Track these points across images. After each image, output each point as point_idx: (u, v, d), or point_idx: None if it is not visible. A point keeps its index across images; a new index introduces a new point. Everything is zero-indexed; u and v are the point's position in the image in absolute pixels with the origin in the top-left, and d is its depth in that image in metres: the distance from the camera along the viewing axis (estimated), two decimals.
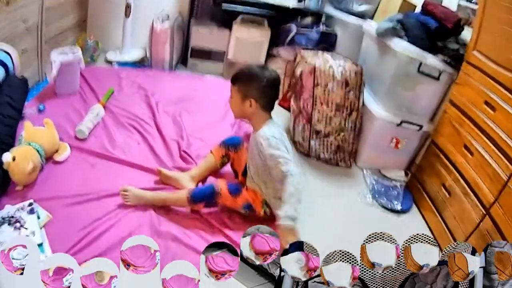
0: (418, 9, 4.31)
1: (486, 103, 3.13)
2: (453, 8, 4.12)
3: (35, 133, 3.13)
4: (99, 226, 2.61)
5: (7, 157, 2.74)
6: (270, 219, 2.92)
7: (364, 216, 3.64)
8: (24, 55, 4.59)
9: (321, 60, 4.14)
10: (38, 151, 2.95)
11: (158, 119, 3.96)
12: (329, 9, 5.71)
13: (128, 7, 5.93)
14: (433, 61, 3.71)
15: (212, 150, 3.37)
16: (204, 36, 5.21)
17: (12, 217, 2.56)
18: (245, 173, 3.17)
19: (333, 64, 4.05)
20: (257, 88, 2.82)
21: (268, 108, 2.92)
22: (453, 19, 3.73)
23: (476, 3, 3.83)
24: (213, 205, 2.95)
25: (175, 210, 2.90)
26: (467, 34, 3.75)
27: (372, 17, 4.95)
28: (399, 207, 3.74)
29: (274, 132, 2.80)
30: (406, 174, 4.20)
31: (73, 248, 2.42)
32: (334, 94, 4.00)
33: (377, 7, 4.94)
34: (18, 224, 2.51)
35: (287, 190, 2.61)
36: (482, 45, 3.35)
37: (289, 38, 5.39)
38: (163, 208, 2.88)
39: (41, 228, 2.55)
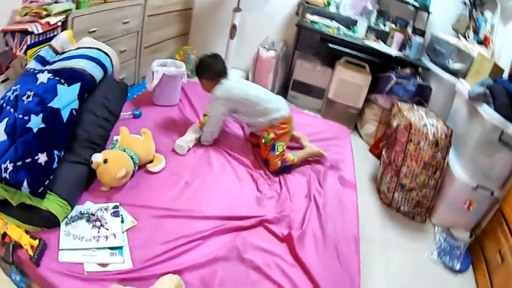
0: (506, 73, 4.33)
1: None
2: None
3: (132, 141, 3.16)
4: (184, 244, 2.58)
5: (98, 157, 2.79)
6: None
7: (425, 270, 3.83)
8: (122, 56, 4.75)
9: (417, 116, 4.27)
10: (132, 158, 2.97)
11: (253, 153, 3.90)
12: (426, 62, 5.77)
13: (233, 27, 6.00)
14: None
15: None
16: (307, 71, 5.25)
17: (93, 214, 2.60)
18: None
19: (427, 123, 4.18)
20: (201, 72, 3.80)
21: (214, 78, 3.77)
22: None
23: None
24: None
25: (263, 240, 2.86)
26: None
27: (464, 76, 4.94)
28: (458, 267, 3.85)
29: (218, 92, 3.71)
30: (471, 235, 4.23)
31: (153, 259, 2.42)
32: (424, 152, 4.13)
33: (470, 67, 4.90)
34: (98, 223, 2.54)
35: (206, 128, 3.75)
36: None
37: (388, 87, 5.43)
38: (253, 237, 2.86)
39: (123, 232, 2.55)
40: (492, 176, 4.08)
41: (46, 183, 2.46)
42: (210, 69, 3.75)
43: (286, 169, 3.64)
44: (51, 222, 2.45)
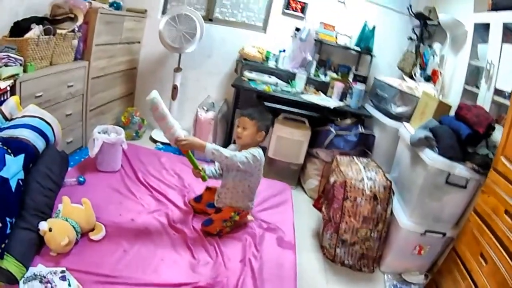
0: (453, 109, 4.40)
1: (506, 212, 3.17)
2: (487, 104, 4.20)
3: (73, 211, 3.32)
4: None
5: (44, 226, 3.01)
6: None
7: None
8: (68, 120, 4.95)
9: (354, 171, 4.37)
10: (74, 227, 3.16)
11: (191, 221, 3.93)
12: (369, 108, 5.95)
13: (175, 88, 6.24)
14: (461, 171, 3.84)
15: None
16: None
17: (44, 277, 2.78)
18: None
19: (364, 177, 4.27)
20: (267, 126, 3.79)
21: (266, 133, 3.80)
22: (485, 122, 3.76)
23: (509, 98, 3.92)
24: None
25: None
26: (498, 134, 3.73)
27: (409, 119, 5.04)
28: None
29: (260, 154, 3.70)
30: (426, 277, 4.32)
31: None
32: (362, 207, 4.22)
33: (414, 108, 5.01)
34: (49, 285, 2.72)
35: (230, 152, 3.50)
36: (510, 151, 3.36)
37: (327, 141, 5.56)
38: None
39: None
40: (443, 218, 4.15)
41: (3, 246, 2.68)
42: (269, 123, 3.92)
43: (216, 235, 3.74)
44: (11, 280, 2.68)
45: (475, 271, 3.40)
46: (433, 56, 5.56)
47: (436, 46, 5.57)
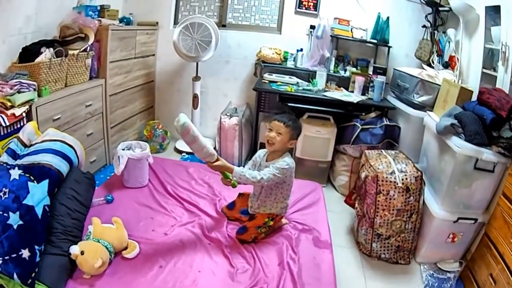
0: (475, 95, 4.36)
1: None
2: (506, 87, 4.11)
3: (104, 231, 3.25)
4: None
5: (75, 250, 2.93)
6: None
7: None
8: (90, 139, 4.92)
9: (384, 165, 4.27)
10: (107, 248, 3.09)
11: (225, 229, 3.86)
12: (392, 100, 5.87)
13: (195, 97, 6.14)
14: (488, 156, 3.78)
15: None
16: None
17: None
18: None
19: (395, 169, 4.17)
20: (298, 134, 3.77)
21: (295, 140, 3.79)
22: (506, 106, 3.70)
23: None
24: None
25: None
26: None
27: (432, 107, 4.97)
28: None
29: (291, 162, 3.69)
30: (461, 263, 4.25)
31: None
32: (395, 200, 4.12)
33: (436, 97, 4.93)
34: None
35: (256, 176, 3.45)
36: None
37: (353, 136, 5.48)
38: None
39: None
40: (474, 204, 4.09)
41: (33, 275, 2.62)
42: (300, 132, 3.83)
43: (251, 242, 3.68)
44: None
45: (507, 254, 3.37)
46: (449, 42, 5.48)
47: (450, 32, 5.48)
